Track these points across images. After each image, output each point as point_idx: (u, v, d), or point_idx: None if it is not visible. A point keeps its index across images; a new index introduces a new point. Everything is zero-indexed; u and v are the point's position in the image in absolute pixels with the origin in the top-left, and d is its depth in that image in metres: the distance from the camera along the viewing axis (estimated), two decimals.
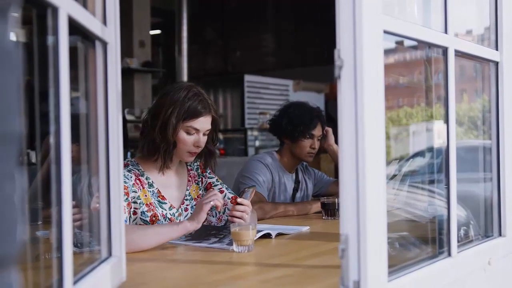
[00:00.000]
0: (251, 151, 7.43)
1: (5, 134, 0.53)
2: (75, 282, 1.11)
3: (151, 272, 1.69)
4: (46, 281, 1.21)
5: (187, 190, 2.38)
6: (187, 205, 2.36)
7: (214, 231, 2.16)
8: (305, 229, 2.38)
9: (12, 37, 0.56)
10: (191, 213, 2.32)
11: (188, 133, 2.22)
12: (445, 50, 1.55)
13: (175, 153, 2.26)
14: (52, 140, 1.03)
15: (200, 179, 2.44)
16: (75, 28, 1.13)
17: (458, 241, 1.58)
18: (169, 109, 2.18)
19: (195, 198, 2.38)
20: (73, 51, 1.11)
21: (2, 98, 0.53)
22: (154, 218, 2.20)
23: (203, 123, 2.23)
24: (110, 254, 1.40)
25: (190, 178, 2.41)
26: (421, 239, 1.76)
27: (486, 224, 1.90)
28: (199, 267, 1.74)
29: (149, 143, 2.23)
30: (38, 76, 1.06)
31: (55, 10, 1.01)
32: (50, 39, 1.03)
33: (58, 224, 1.03)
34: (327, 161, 6.68)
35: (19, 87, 0.57)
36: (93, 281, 1.22)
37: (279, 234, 2.21)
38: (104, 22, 1.37)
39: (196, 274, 1.66)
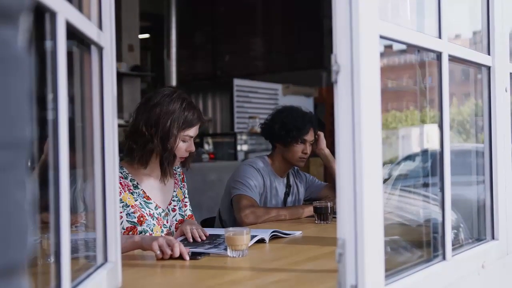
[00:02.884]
0: (240, 155, 7.42)
1: (17, 141, 0.53)
2: None
3: (147, 278, 1.69)
4: (42, 286, 1.20)
5: (174, 191, 2.45)
6: (174, 205, 2.42)
7: (208, 240, 2.16)
8: (298, 233, 2.38)
9: (22, 43, 0.56)
10: (179, 213, 2.41)
11: (184, 141, 2.31)
12: (439, 55, 1.56)
13: None
14: (49, 145, 1.03)
15: (182, 185, 2.54)
16: (70, 32, 1.13)
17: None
18: (168, 120, 2.25)
19: (181, 200, 2.47)
20: (68, 56, 1.10)
21: (14, 104, 0.53)
22: (141, 219, 2.25)
23: (196, 130, 2.35)
24: (106, 259, 1.39)
25: (176, 181, 2.49)
26: (415, 243, 1.77)
27: (479, 227, 1.91)
28: (194, 272, 1.74)
29: (148, 153, 2.28)
30: (35, 81, 1.06)
31: (53, 15, 1.01)
32: (47, 44, 1.03)
33: (56, 230, 1.03)
34: (316, 165, 6.69)
35: (29, 93, 0.57)
36: (89, 287, 1.21)
37: (274, 236, 2.22)
38: (100, 26, 1.37)
39: (191, 279, 1.66)
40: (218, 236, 2.22)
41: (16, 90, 0.54)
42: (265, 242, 2.14)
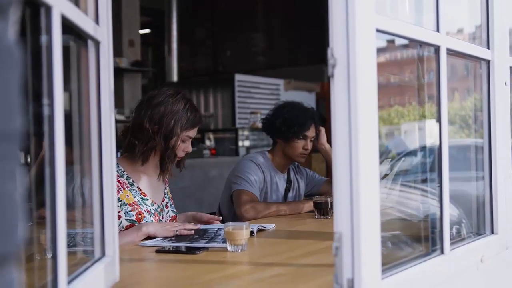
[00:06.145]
0: (242, 151, 7.42)
1: (7, 132, 0.53)
2: (69, 282, 1.11)
3: (145, 272, 1.69)
4: (40, 281, 1.20)
5: (165, 189, 2.50)
6: (166, 202, 2.48)
7: (197, 235, 2.16)
8: (272, 226, 2.41)
9: (12, 35, 0.56)
10: (171, 210, 2.48)
11: (183, 141, 2.35)
12: (437, 49, 1.55)
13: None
14: (45, 140, 1.03)
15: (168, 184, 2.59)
16: (67, 27, 1.13)
17: (451, 239, 1.59)
18: (172, 119, 2.29)
19: (171, 198, 2.53)
20: (64, 51, 1.10)
21: (4, 96, 0.53)
22: (139, 216, 2.28)
23: (195, 131, 2.40)
24: (103, 254, 1.39)
25: (166, 180, 2.53)
26: (414, 237, 1.76)
27: (478, 222, 1.91)
28: (192, 267, 1.74)
29: (149, 150, 2.31)
30: (30, 76, 1.06)
31: (48, 9, 1.01)
32: (43, 38, 1.03)
33: (52, 225, 1.03)
34: (318, 160, 6.70)
35: (20, 86, 0.57)
36: (87, 281, 1.22)
37: (260, 230, 2.27)
38: (97, 21, 1.37)
39: (189, 274, 1.66)
40: (206, 230, 2.23)
41: (6, 82, 0.54)
42: (253, 235, 2.16)
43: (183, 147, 2.36)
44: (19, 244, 0.55)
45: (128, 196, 2.28)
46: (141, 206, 2.29)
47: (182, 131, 2.31)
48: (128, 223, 2.24)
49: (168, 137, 2.29)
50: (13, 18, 0.56)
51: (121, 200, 2.24)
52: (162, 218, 2.40)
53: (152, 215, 2.32)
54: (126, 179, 2.32)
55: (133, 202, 2.28)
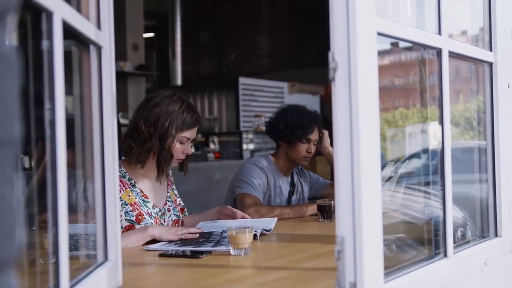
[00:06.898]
0: (246, 154, 7.42)
1: (5, 138, 0.53)
2: (71, 287, 1.11)
3: (148, 277, 1.69)
4: (42, 286, 1.21)
5: (168, 192, 2.50)
6: (169, 206, 2.47)
7: (202, 238, 2.15)
8: (274, 221, 2.44)
9: (10, 41, 0.56)
10: (173, 214, 2.47)
11: (181, 142, 2.35)
12: (439, 52, 1.55)
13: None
14: (47, 145, 1.03)
15: (173, 187, 2.58)
16: (69, 32, 1.13)
17: (455, 242, 1.58)
18: (167, 120, 2.29)
19: (174, 201, 2.51)
20: (67, 55, 1.10)
21: (2, 102, 0.54)
22: (140, 217, 2.28)
23: (194, 132, 2.39)
24: (106, 258, 1.40)
25: (169, 183, 2.53)
26: (417, 240, 1.76)
27: (482, 224, 1.90)
28: (196, 270, 1.74)
29: (146, 151, 2.31)
30: (32, 81, 1.06)
31: (49, 14, 1.01)
32: (44, 43, 1.03)
33: (54, 229, 1.03)
34: (323, 163, 6.69)
35: (17, 92, 0.57)
36: (89, 286, 1.22)
37: (262, 234, 2.26)
38: (98, 26, 1.37)
39: (193, 277, 1.66)
40: (211, 233, 2.23)
41: (4, 89, 0.54)
42: (257, 239, 2.16)
43: (182, 149, 2.35)
44: (17, 249, 0.56)
45: (129, 196, 2.29)
46: (141, 207, 2.30)
47: (178, 132, 2.31)
48: (128, 223, 2.24)
49: (164, 137, 2.29)
50: (11, 24, 0.56)
51: (122, 200, 2.25)
52: (164, 221, 2.40)
53: (152, 217, 2.32)
54: (128, 180, 2.33)
55: (134, 203, 2.28)
